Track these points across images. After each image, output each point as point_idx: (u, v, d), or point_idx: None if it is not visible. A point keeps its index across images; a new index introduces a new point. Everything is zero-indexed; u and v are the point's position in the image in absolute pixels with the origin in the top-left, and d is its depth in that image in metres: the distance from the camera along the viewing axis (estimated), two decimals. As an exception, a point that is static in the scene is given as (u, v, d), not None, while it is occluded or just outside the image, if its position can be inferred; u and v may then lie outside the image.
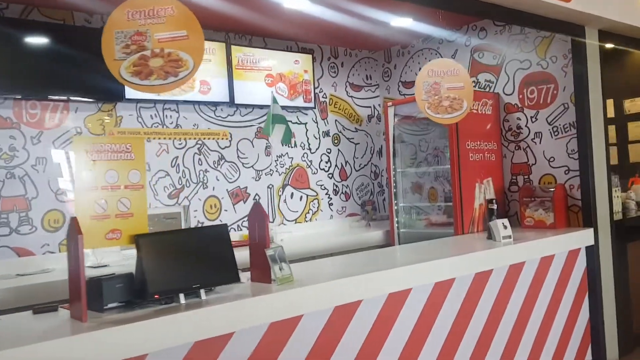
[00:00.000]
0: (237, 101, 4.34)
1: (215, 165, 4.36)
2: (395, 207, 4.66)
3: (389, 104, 4.63)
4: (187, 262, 2.01)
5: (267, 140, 4.71)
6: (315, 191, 5.05)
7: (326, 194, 5.14)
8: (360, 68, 5.49)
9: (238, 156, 4.50)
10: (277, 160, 4.77)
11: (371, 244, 4.62)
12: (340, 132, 5.30)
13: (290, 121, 4.85)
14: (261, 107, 4.62)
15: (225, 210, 4.40)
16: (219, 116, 4.41)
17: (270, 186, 4.72)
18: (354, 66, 5.44)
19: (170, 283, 1.95)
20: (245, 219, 4.52)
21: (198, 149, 4.26)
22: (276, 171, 4.76)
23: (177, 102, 4.11)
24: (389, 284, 2.55)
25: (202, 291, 2.04)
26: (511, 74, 4.37)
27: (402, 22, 4.35)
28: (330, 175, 5.19)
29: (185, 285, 1.98)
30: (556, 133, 4.08)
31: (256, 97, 4.49)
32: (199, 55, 1.90)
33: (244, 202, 4.53)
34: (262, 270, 2.33)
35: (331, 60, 5.25)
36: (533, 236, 3.66)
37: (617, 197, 4.69)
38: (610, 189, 4.04)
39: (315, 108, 5.01)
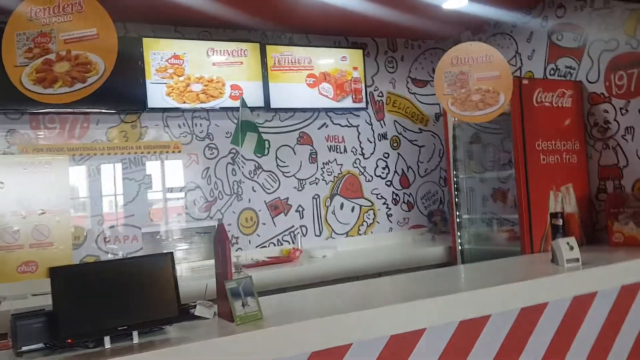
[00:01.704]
0: (273, 105, 4.08)
1: (251, 175, 4.12)
2: (458, 220, 4.11)
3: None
4: (115, 299, 1.75)
5: (312, 146, 4.40)
6: (370, 201, 4.64)
7: (384, 203, 4.71)
8: (424, 61, 4.99)
9: (277, 165, 4.23)
10: (324, 167, 4.44)
11: (430, 262, 4.12)
12: (401, 133, 4.84)
13: (338, 124, 4.50)
14: (304, 110, 4.33)
15: (263, 224, 4.15)
16: (255, 122, 4.16)
17: (316, 196, 4.40)
18: (417, 59, 4.96)
19: (90, 324, 1.70)
20: (286, 232, 4.24)
21: (232, 158, 4.05)
22: (322, 180, 4.43)
23: (207, 110, 3.93)
24: (392, 323, 2.12)
25: (135, 333, 1.77)
26: (595, 57, 3.67)
27: (456, 3, 3.81)
28: (389, 183, 4.75)
29: (110, 326, 1.72)
30: (652, 127, 3.34)
31: (296, 100, 4.21)
32: (110, 57, 1.64)
33: (285, 215, 4.24)
34: (228, 305, 2.02)
35: (388, 54, 4.81)
36: (618, 257, 3.00)
37: None
38: None
39: (367, 108, 4.60)
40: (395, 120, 4.82)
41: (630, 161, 3.47)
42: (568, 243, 2.77)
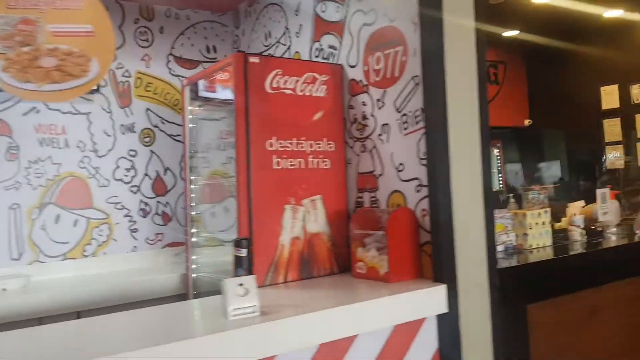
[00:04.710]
0: None
1: None
2: (196, 239, 3.32)
3: (184, 81, 3.31)
4: None
5: (11, 138, 3.43)
6: (104, 212, 3.73)
7: (126, 215, 3.82)
8: (196, 36, 4.17)
9: (-53, 162, 3.22)
10: (31, 167, 3.47)
11: (161, 293, 3.33)
12: (157, 126, 3.98)
13: (58, 109, 3.54)
14: (0, 88, 3.34)
15: None
16: None
17: (15, 206, 3.42)
18: (183, 33, 4.12)
19: None
20: (-41, 256, 3.23)
21: None
22: (28, 184, 3.46)
23: None
24: None
25: None
26: (355, 33, 3.01)
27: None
28: (135, 189, 3.86)
29: None
30: (405, 125, 2.70)
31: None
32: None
33: (-41, 231, 3.24)
34: None
35: (140, 23, 3.93)
36: (343, 298, 2.32)
37: (542, 223, 3.37)
38: (490, 218, 2.62)
39: (103, 90, 3.69)
40: (148, 109, 3.94)
41: (386, 168, 2.82)
42: (241, 284, 2.01)
